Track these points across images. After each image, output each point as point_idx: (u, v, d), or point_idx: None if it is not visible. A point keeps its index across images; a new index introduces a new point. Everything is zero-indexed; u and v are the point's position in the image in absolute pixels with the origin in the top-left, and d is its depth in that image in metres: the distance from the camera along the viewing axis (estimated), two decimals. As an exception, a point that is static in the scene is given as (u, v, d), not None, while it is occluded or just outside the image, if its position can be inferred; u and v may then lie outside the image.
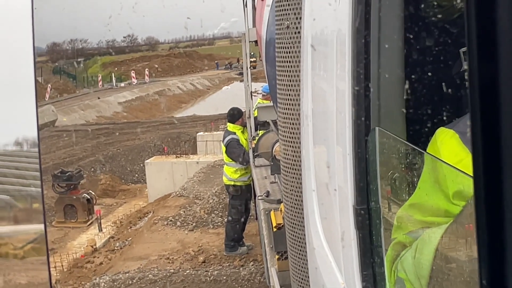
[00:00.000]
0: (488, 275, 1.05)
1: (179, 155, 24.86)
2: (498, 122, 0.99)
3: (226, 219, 13.91)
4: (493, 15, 0.98)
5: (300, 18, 3.81)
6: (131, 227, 19.40)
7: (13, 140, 3.40)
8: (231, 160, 12.94)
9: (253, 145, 11.31)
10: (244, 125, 13.18)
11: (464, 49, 2.13)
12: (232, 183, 13.10)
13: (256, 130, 12.35)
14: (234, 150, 12.78)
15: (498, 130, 0.99)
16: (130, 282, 12.66)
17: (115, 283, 12.72)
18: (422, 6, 2.71)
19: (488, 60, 0.99)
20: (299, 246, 4.22)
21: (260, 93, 15.44)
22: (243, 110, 13.40)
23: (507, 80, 0.98)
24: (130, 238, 17.21)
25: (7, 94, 3.13)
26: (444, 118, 2.29)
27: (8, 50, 3.10)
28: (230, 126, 13.15)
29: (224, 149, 13.06)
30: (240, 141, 12.91)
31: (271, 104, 10.50)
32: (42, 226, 3.45)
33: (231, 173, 13.05)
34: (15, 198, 3.69)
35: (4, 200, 3.69)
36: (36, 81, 3.19)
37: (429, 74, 2.68)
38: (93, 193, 21.82)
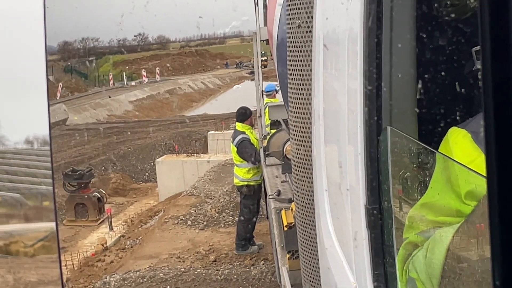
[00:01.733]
0: (501, 276, 1.05)
1: (190, 154, 24.89)
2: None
3: (237, 219, 13.89)
4: (507, 14, 0.98)
5: (312, 17, 3.80)
6: (141, 226, 19.44)
7: (24, 138, 3.41)
8: (242, 160, 12.89)
9: (264, 144, 11.31)
10: (252, 125, 13.19)
11: (476, 48, 2.13)
12: (246, 183, 13.05)
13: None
14: (246, 150, 12.73)
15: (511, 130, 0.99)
16: (140, 281, 12.68)
17: (125, 282, 12.74)
18: (435, 5, 2.71)
19: (502, 60, 0.98)
20: (310, 245, 4.21)
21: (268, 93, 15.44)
22: (251, 110, 13.41)
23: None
24: (140, 237, 17.25)
25: (18, 93, 3.15)
26: (456, 117, 2.29)
27: (19, 49, 3.11)
28: (239, 126, 13.09)
29: (234, 149, 12.96)
30: (251, 141, 12.89)
31: (282, 103, 10.50)
32: (52, 224, 3.46)
33: (244, 174, 13.00)
34: (25, 196, 3.70)
35: (14, 198, 3.71)
36: (48, 80, 3.20)
37: (442, 73, 2.67)
38: (103, 191, 21.87)
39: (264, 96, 14.08)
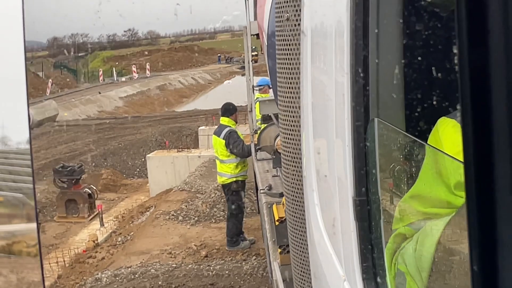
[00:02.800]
0: (478, 261, 1.05)
1: (180, 149, 24.82)
2: (490, 110, 0.98)
3: (226, 216, 13.87)
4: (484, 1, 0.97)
5: (300, 10, 3.80)
6: (133, 221, 19.42)
7: (26, 138, 3.41)
8: (229, 155, 12.86)
9: (255, 139, 11.31)
10: (236, 121, 13.25)
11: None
12: (234, 179, 13.07)
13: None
14: (236, 140, 12.73)
15: (489, 118, 0.98)
16: (132, 277, 12.67)
17: (117, 278, 12.73)
18: (422, -4, 2.70)
19: (479, 46, 0.98)
20: (300, 239, 4.21)
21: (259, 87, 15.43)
22: (236, 106, 13.51)
23: (498, 67, 0.97)
24: (132, 233, 17.24)
25: (19, 93, 3.15)
26: (445, 108, 2.28)
27: (17, 50, 3.11)
28: (225, 120, 13.13)
29: (222, 142, 12.89)
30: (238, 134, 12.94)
31: (273, 98, 10.50)
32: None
33: (231, 170, 12.98)
34: (28, 196, 3.70)
35: (17, 198, 3.70)
36: (27, 74, 3.19)
37: (429, 64, 2.67)
38: (94, 187, 21.83)
39: (255, 90, 14.08)
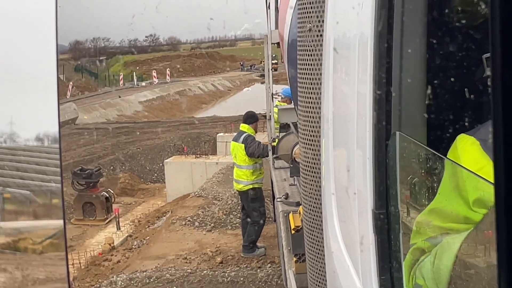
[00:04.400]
0: (507, 284, 1.05)
1: (198, 156, 24.79)
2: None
3: (246, 222, 13.81)
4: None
5: (323, 21, 3.81)
6: (149, 226, 19.45)
7: (34, 135, 3.43)
8: (247, 161, 12.89)
9: (273, 147, 11.33)
10: (256, 130, 13.30)
11: (486, 55, 2.12)
12: (251, 186, 13.09)
13: None
14: (252, 140, 12.78)
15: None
16: (147, 281, 12.69)
17: (132, 282, 12.76)
18: (446, 11, 2.70)
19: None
20: (317, 249, 4.21)
21: (280, 95, 15.42)
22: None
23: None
24: (148, 237, 17.26)
25: (29, 91, 3.16)
26: (466, 124, 2.28)
27: (31, 47, 3.12)
28: (245, 127, 13.17)
29: (242, 146, 12.92)
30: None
31: (292, 106, 10.51)
32: (61, 222, 3.48)
33: (248, 176, 13.01)
34: (35, 193, 3.72)
35: (24, 195, 3.72)
36: (58, 78, 3.21)
37: (451, 79, 2.67)
38: (112, 191, 21.88)
39: (276, 98, 14.11)
